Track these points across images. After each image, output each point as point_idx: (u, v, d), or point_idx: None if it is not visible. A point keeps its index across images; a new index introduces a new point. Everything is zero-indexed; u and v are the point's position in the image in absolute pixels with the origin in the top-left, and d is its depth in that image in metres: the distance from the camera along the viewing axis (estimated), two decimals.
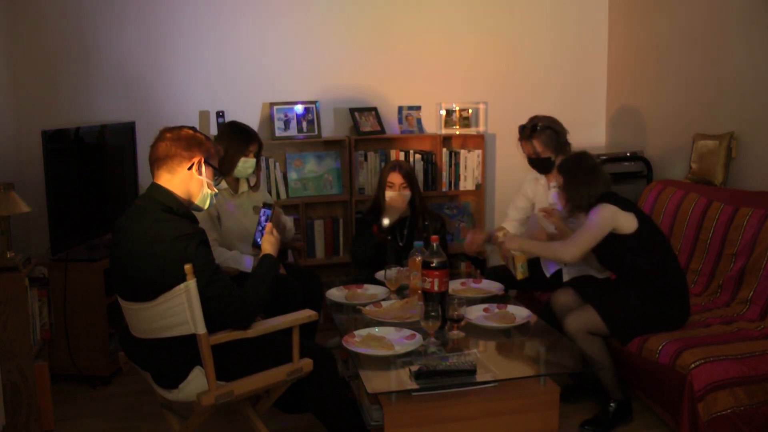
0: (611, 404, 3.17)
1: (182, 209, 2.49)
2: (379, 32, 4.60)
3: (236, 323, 2.48)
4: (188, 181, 2.50)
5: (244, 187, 3.56)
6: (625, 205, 3.12)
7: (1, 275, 3.01)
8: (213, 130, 4.29)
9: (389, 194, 3.84)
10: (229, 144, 3.39)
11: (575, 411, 3.28)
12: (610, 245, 3.11)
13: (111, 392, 3.65)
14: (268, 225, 2.84)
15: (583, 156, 3.23)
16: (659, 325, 3.10)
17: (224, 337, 2.45)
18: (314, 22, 4.50)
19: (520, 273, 3.35)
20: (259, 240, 2.84)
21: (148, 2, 4.25)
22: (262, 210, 2.90)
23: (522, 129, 3.67)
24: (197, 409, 2.47)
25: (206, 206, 2.59)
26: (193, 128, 2.56)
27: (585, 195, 3.12)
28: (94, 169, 3.90)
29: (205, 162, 2.52)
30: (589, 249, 3.11)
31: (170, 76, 4.34)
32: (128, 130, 4.13)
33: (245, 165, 3.44)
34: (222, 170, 3.41)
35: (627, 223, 3.08)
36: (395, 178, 3.83)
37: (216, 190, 2.60)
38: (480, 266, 4.61)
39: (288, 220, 3.67)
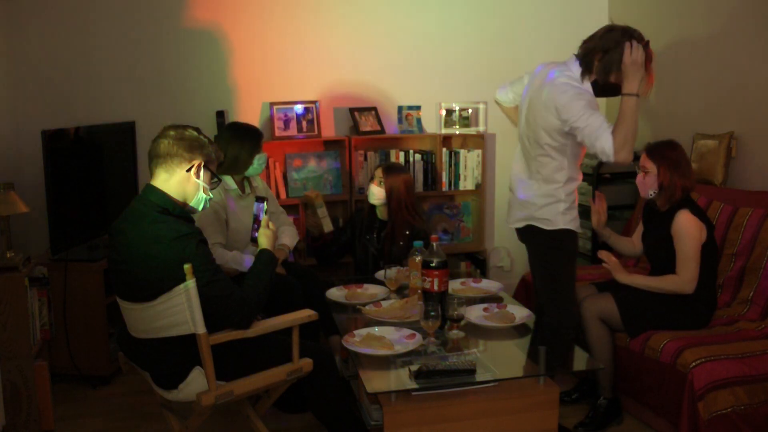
0: (601, 401, 3.17)
1: (178, 210, 2.48)
2: (378, 32, 4.60)
3: (236, 323, 2.47)
4: (185, 183, 2.49)
5: (249, 187, 3.57)
6: (701, 213, 3.12)
7: (0, 275, 3.01)
8: (213, 131, 4.29)
9: (369, 185, 3.88)
10: (241, 146, 3.40)
11: (575, 411, 3.28)
12: (669, 249, 3.11)
13: (111, 392, 3.65)
14: (264, 218, 2.81)
15: (678, 145, 3.19)
16: (672, 329, 3.10)
17: (224, 337, 2.45)
18: (314, 21, 4.50)
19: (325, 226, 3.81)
20: (255, 234, 2.82)
21: (147, 2, 4.25)
22: (256, 204, 2.89)
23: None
24: (197, 410, 2.47)
25: (200, 209, 2.58)
26: (197, 129, 2.55)
27: (680, 188, 3.09)
28: (94, 168, 3.90)
29: (204, 166, 2.52)
30: (698, 270, 3.07)
31: (170, 75, 4.34)
32: (128, 129, 4.13)
33: (259, 162, 3.47)
34: (236, 171, 3.44)
35: (703, 235, 3.09)
36: (378, 172, 3.85)
37: (211, 195, 2.59)
38: (480, 266, 4.62)
39: (288, 230, 3.68)
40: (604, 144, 2.60)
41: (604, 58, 2.74)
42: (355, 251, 3.98)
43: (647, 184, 3.19)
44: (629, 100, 2.64)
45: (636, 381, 3.13)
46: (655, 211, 3.25)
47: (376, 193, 3.82)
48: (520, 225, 3.02)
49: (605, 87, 2.79)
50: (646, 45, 2.73)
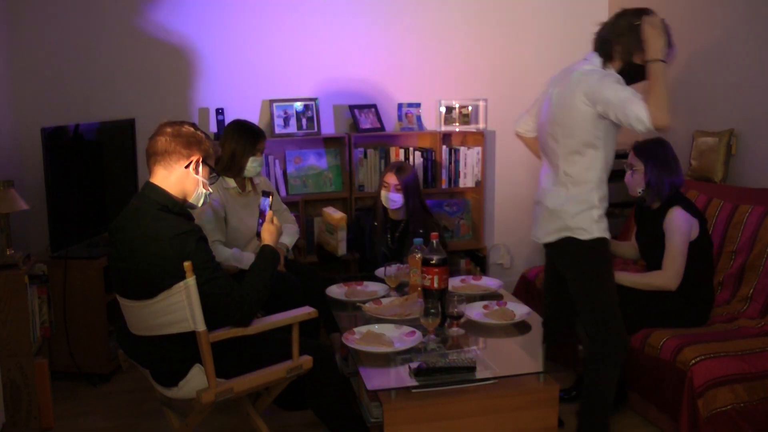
0: None
1: (177, 207, 2.48)
2: (378, 29, 4.59)
3: (236, 321, 2.47)
4: (184, 179, 2.49)
5: (250, 185, 3.56)
6: (692, 209, 3.13)
7: (0, 273, 3.01)
8: (212, 128, 4.29)
9: (382, 194, 3.85)
10: (236, 145, 3.39)
11: (575, 409, 3.28)
12: (663, 246, 3.11)
13: (111, 390, 3.65)
14: (269, 213, 2.79)
15: (665, 143, 3.20)
16: (670, 326, 3.11)
17: (224, 334, 2.44)
18: (314, 19, 4.49)
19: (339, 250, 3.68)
20: (260, 229, 2.80)
21: (147, 0, 4.26)
22: (262, 199, 2.88)
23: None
24: (197, 407, 2.47)
25: (200, 204, 2.57)
26: (193, 125, 2.54)
27: (668, 184, 3.11)
28: (94, 166, 3.90)
29: (202, 161, 2.52)
30: (683, 267, 3.07)
31: (170, 72, 4.33)
32: (128, 127, 4.13)
33: (254, 164, 3.44)
34: (231, 171, 3.43)
35: (694, 231, 3.09)
36: (390, 178, 3.83)
37: (211, 190, 2.59)
38: (480, 263, 4.62)
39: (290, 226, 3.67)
40: (638, 111, 2.48)
41: (621, 41, 2.65)
42: (364, 251, 3.96)
43: (635, 181, 3.20)
44: (656, 66, 2.56)
45: (639, 377, 3.13)
46: (646, 209, 3.26)
47: (394, 198, 3.80)
48: (553, 238, 2.75)
49: (632, 71, 2.69)
50: (661, 21, 2.69)
